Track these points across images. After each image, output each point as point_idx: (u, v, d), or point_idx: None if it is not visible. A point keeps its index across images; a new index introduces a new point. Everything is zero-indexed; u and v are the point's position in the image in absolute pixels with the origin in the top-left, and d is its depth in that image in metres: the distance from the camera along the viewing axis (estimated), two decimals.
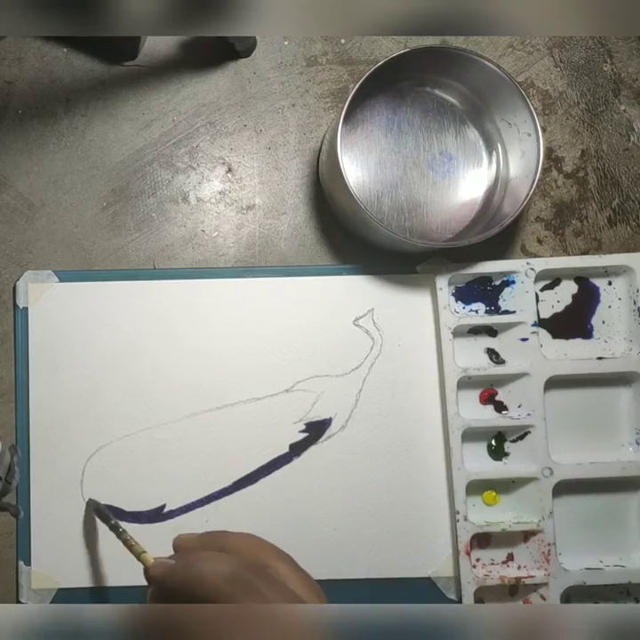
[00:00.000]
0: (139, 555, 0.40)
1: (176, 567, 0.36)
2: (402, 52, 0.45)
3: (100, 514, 0.46)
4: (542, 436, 0.48)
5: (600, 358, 0.49)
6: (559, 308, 0.51)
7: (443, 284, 0.49)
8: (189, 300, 0.50)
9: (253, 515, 0.49)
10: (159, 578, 0.36)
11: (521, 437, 0.49)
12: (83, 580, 0.48)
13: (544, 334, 0.50)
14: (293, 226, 0.51)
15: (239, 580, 0.33)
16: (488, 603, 0.48)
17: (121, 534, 0.43)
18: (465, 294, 0.51)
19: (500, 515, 0.49)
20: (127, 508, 0.48)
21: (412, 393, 0.50)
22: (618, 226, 0.52)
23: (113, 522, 0.44)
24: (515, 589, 0.48)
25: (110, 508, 0.48)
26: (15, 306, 0.49)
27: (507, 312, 0.50)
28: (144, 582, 0.48)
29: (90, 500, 0.48)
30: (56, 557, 0.48)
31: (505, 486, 0.49)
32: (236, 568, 0.34)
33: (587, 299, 0.51)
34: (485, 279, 0.50)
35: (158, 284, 0.50)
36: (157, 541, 0.48)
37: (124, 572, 0.48)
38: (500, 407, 0.50)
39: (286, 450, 0.49)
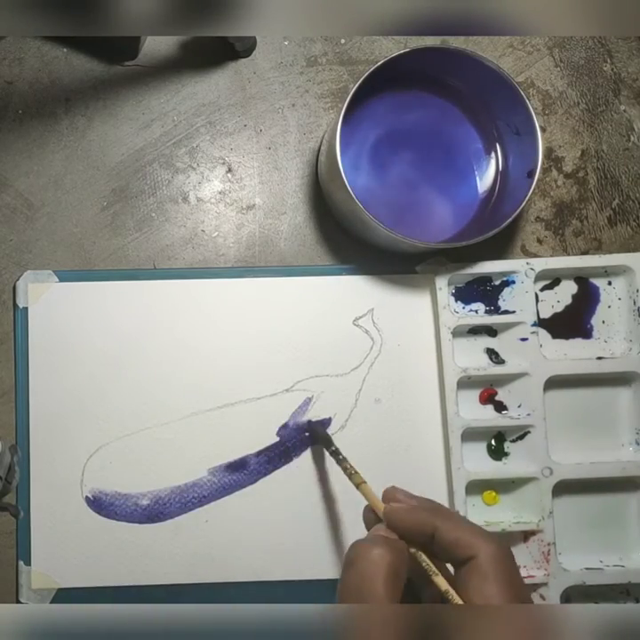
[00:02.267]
0: (357, 485, 0.41)
1: (418, 509, 0.36)
2: (402, 52, 0.45)
3: (321, 438, 0.47)
4: (542, 435, 0.48)
5: (600, 358, 0.49)
6: (559, 308, 0.51)
7: (442, 283, 0.49)
8: (189, 300, 0.50)
9: (253, 515, 0.49)
10: (395, 516, 0.36)
11: (521, 437, 0.49)
12: (83, 579, 0.48)
13: (544, 334, 0.50)
14: (293, 226, 0.52)
15: (498, 541, 0.33)
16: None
17: (341, 462, 0.44)
18: (465, 294, 0.51)
19: (500, 515, 0.49)
20: (127, 508, 0.48)
21: (411, 393, 0.50)
22: (618, 226, 0.52)
23: (333, 448, 0.45)
24: None
25: (110, 506, 0.48)
26: (15, 306, 0.49)
27: (506, 312, 0.50)
28: (145, 583, 0.48)
29: (310, 421, 0.49)
30: (56, 557, 0.48)
31: (505, 486, 0.50)
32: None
33: (587, 299, 0.51)
34: (485, 279, 0.50)
35: (158, 284, 0.50)
36: (157, 541, 0.49)
37: (124, 571, 0.48)
38: (500, 407, 0.50)
39: (285, 448, 0.49)
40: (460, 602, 0.33)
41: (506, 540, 0.48)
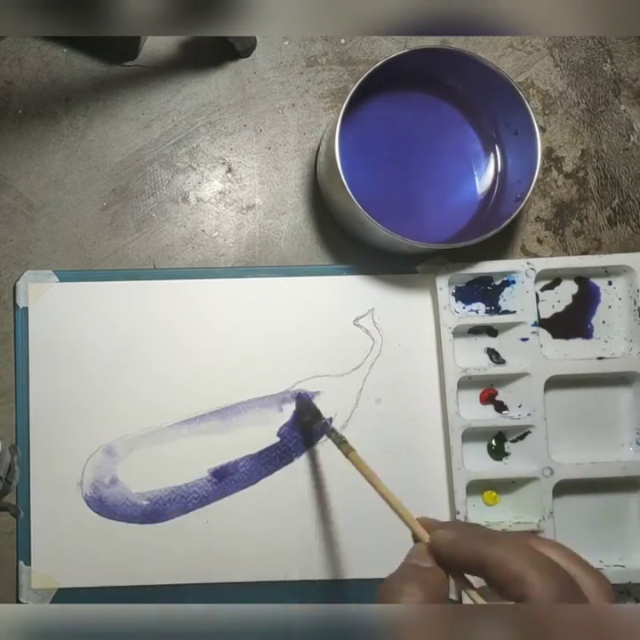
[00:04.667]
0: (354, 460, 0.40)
1: (466, 538, 0.32)
2: (402, 52, 0.45)
3: (312, 412, 0.48)
4: (542, 435, 0.48)
5: (600, 358, 0.49)
6: (559, 307, 0.51)
7: (443, 284, 0.49)
8: (189, 300, 0.50)
9: (253, 515, 0.49)
10: (441, 545, 0.32)
11: (521, 437, 0.49)
12: (83, 579, 0.48)
13: (544, 334, 0.50)
14: (293, 226, 0.52)
15: (559, 575, 0.28)
16: (488, 603, 0.48)
17: (335, 437, 0.44)
18: (465, 294, 0.51)
19: (501, 515, 0.49)
20: (126, 508, 0.48)
21: (412, 393, 0.50)
22: (618, 226, 0.52)
23: (323, 420, 0.46)
24: None
25: (110, 506, 0.48)
26: (15, 306, 0.49)
27: (507, 312, 0.50)
28: (145, 583, 0.48)
29: (299, 394, 0.49)
30: (56, 557, 0.48)
31: (505, 486, 0.49)
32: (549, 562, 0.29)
33: (587, 299, 0.51)
34: (485, 279, 0.50)
35: (158, 284, 0.50)
36: (157, 541, 0.49)
37: (124, 571, 0.48)
38: (501, 407, 0.50)
39: (285, 448, 0.49)
40: None
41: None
